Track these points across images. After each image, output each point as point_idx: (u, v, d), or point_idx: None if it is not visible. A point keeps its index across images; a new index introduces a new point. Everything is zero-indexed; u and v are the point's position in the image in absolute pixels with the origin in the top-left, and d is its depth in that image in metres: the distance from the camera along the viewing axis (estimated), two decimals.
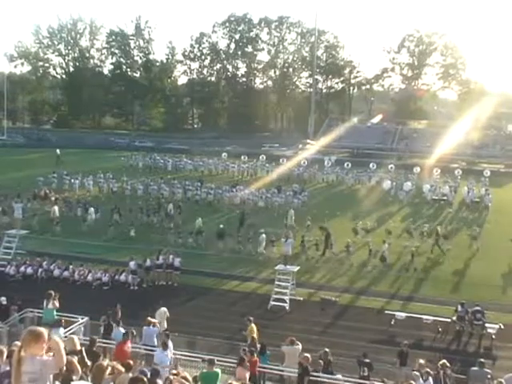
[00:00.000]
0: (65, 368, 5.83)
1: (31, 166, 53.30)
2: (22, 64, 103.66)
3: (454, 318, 19.19)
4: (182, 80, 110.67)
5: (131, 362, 8.89)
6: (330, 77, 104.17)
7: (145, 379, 6.10)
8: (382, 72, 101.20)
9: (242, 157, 59.06)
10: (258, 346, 14.43)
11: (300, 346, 14.22)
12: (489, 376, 13.13)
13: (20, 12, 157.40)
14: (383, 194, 45.28)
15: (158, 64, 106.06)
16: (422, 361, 13.34)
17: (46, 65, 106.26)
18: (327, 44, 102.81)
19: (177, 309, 20.62)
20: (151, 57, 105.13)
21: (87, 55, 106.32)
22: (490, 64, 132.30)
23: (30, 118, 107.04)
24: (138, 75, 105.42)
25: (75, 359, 6.21)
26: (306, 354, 13.07)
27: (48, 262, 24.79)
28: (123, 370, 7.66)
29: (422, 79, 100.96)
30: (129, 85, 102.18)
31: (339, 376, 13.29)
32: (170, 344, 13.67)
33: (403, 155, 67.66)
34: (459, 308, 19.26)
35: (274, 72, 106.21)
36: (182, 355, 13.91)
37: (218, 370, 11.48)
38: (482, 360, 13.68)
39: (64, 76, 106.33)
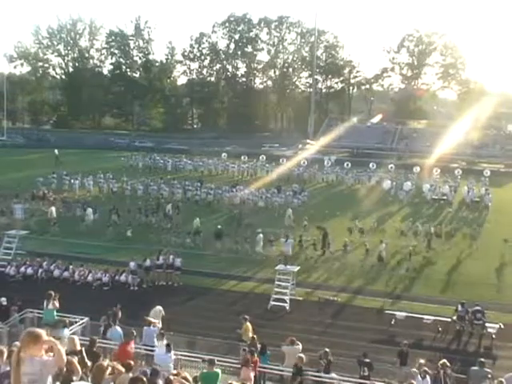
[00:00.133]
0: (65, 368, 5.84)
1: (31, 166, 53.30)
2: (22, 64, 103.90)
3: (454, 318, 19.20)
4: (182, 80, 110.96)
5: (131, 363, 8.88)
6: (330, 77, 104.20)
7: (144, 379, 6.09)
8: (381, 72, 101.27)
9: (242, 157, 59.06)
10: (259, 346, 14.42)
11: (300, 346, 14.21)
12: (489, 375, 13.12)
13: (20, 12, 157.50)
14: (383, 193, 45.29)
15: (157, 64, 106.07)
16: (422, 361, 13.35)
17: (46, 65, 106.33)
18: (327, 44, 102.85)
19: (176, 309, 20.65)
20: (151, 57, 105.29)
21: (87, 55, 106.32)
22: (489, 64, 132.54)
23: (30, 119, 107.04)
24: (137, 75, 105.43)
25: (75, 359, 6.21)
26: (301, 355, 13.09)
27: (48, 263, 24.78)
28: (123, 370, 7.66)
29: (421, 79, 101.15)
30: (128, 85, 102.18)
31: (333, 375, 13.30)
32: (165, 343, 13.69)
33: (403, 155, 67.66)
34: (459, 308, 19.26)
35: (274, 72, 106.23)
36: (182, 355, 13.90)
37: (218, 370, 11.47)
38: (482, 359, 13.67)
39: (64, 76, 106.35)
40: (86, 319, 15.78)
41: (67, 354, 7.16)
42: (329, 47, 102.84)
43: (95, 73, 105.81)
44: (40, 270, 24.29)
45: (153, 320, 15.65)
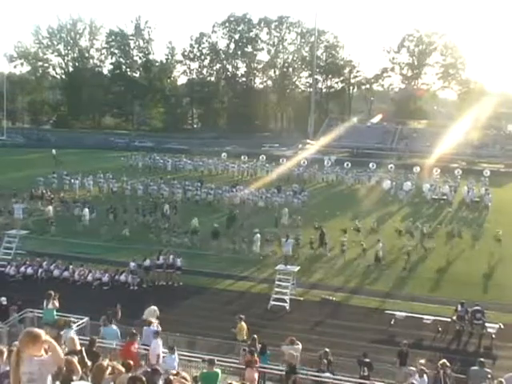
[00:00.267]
0: (65, 368, 5.84)
1: (31, 166, 53.32)
2: (22, 64, 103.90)
3: (454, 318, 19.20)
4: (182, 80, 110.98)
5: (131, 362, 8.88)
6: (330, 76, 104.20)
7: (143, 379, 6.09)
8: (381, 72, 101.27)
9: (242, 157, 59.05)
10: (259, 345, 14.42)
11: (300, 346, 14.22)
12: (489, 375, 13.12)
13: (20, 12, 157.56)
14: (383, 193, 45.30)
15: (157, 64, 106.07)
16: (422, 361, 13.35)
17: (46, 65, 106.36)
18: (327, 44, 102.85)
19: (176, 309, 20.67)
20: (151, 57, 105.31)
21: (87, 55, 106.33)
22: (489, 64, 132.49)
23: (30, 119, 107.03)
24: (137, 75, 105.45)
25: (75, 359, 6.21)
26: (293, 352, 13.09)
27: (48, 263, 24.79)
28: (123, 370, 7.65)
29: (421, 79, 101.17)
30: (128, 85, 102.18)
31: (327, 374, 13.32)
32: (160, 342, 13.70)
33: (403, 155, 67.67)
34: (459, 307, 19.27)
35: (274, 72, 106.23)
36: (181, 355, 13.89)
37: (218, 370, 11.47)
38: (482, 359, 13.67)
39: (63, 76, 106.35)
40: (85, 319, 15.78)
41: (67, 354, 7.17)
42: (329, 47, 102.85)
43: (95, 73, 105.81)
44: (40, 270, 24.31)
45: (153, 320, 15.64)
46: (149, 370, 9.06)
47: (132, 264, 23.83)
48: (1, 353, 6.65)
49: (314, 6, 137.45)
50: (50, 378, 4.51)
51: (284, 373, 12.81)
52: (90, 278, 23.81)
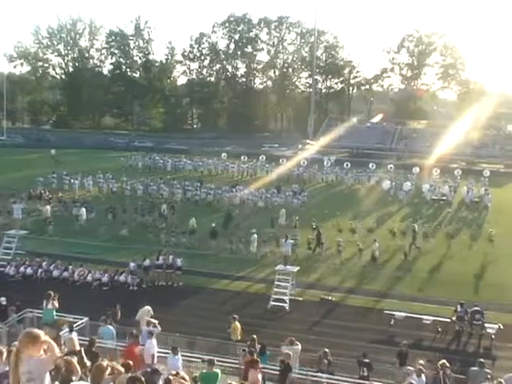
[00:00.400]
0: (64, 368, 5.83)
1: (31, 166, 53.31)
2: (22, 64, 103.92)
3: (454, 318, 19.20)
4: (182, 80, 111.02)
5: (131, 363, 8.87)
6: (330, 77, 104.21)
7: (142, 379, 6.08)
8: (381, 72, 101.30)
9: (242, 157, 59.07)
10: (258, 346, 14.42)
11: (299, 346, 14.22)
12: (488, 376, 13.12)
13: (19, 12, 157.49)
14: (383, 193, 45.30)
15: (157, 64, 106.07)
16: (421, 361, 13.36)
17: (46, 65, 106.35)
18: (327, 44, 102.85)
19: (176, 309, 20.67)
20: (151, 57, 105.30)
21: (87, 55, 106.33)
22: (489, 64, 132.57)
23: (30, 119, 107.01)
24: (137, 75, 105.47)
25: (74, 359, 6.20)
26: (287, 351, 13.08)
27: (47, 263, 24.79)
28: (123, 370, 7.64)
29: (421, 79, 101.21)
30: (128, 85, 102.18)
31: (321, 374, 13.32)
32: (154, 341, 13.69)
33: (403, 155, 67.68)
34: (459, 308, 19.27)
35: (274, 72, 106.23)
36: (181, 355, 13.88)
37: (218, 371, 11.46)
38: (482, 360, 13.67)
39: (63, 76, 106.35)
40: (85, 319, 15.78)
41: (66, 354, 7.16)
42: (329, 47, 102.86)
43: (95, 73, 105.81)
44: (39, 270, 24.30)
45: (152, 320, 15.64)
46: (146, 369, 9.07)
47: (132, 264, 23.83)
48: (0, 353, 6.65)
49: (313, 6, 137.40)
50: (48, 376, 4.51)
51: (278, 372, 12.75)
52: (89, 278, 23.80)
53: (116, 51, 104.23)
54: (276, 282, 21.96)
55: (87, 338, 12.20)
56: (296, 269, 22.74)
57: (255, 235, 28.26)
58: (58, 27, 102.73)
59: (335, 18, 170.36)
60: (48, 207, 33.91)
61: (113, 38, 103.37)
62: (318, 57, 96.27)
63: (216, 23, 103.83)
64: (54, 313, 15.89)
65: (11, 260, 25.28)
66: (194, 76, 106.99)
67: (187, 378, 8.59)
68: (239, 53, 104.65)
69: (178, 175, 50.73)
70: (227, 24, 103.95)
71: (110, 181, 44.16)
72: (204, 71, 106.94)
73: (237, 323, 16.87)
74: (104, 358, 9.33)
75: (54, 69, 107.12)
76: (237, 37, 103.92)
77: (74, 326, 14.53)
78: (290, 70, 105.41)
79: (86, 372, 6.64)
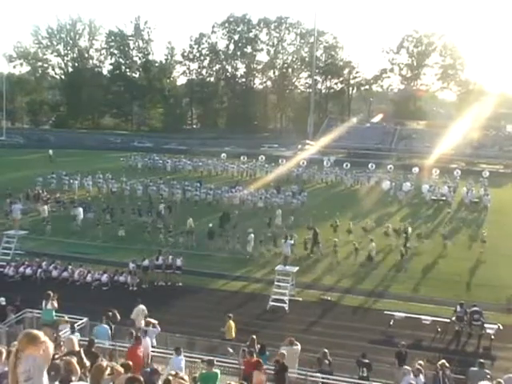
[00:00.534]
0: (63, 369, 5.83)
1: (30, 166, 53.26)
2: (21, 64, 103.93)
3: (453, 319, 19.20)
4: (181, 80, 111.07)
5: (130, 363, 8.87)
6: (329, 77, 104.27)
7: (141, 379, 6.08)
8: (381, 72, 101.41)
9: (242, 157, 59.07)
10: (258, 346, 14.41)
11: (299, 347, 14.21)
12: (488, 376, 13.12)
13: (19, 12, 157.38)
14: (382, 194, 45.31)
15: (157, 64, 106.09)
16: (421, 361, 13.35)
17: (45, 65, 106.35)
18: (326, 44, 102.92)
19: (175, 309, 20.67)
20: (150, 57, 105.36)
21: (86, 55, 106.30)
22: (489, 64, 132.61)
23: (29, 119, 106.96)
24: (137, 76, 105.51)
25: (74, 360, 6.20)
26: (282, 351, 13.07)
27: (47, 263, 24.77)
28: (122, 370, 7.64)
29: (420, 80, 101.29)
30: (128, 85, 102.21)
31: (317, 374, 13.32)
32: (149, 341, 13.69)
33: (402, 155, 67.67)
34: (458, 308, 19.27)
35: (274, 72, 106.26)
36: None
37: (217, 371, 11.45)
38: (482, 360, 13.67)
39: (63, 76, 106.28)
40: (85, 319, 15.77)
41: (66, 355, 7.16)
42: (328, 48, 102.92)
43: (95, 73, 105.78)
44: (39, 270, 24.28)
45: (152, 321, 15.64)
46: (146, 369, 9.07)
47: (131, 265, 23.86)
48: (0, 353, 6.64)
49: (313, 6, 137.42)
50: (46, 376, 4.51)
51: (273, 372, 12.71)
52: (89, 278, 23.80)
53: (115, 51, 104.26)
54: (276, 283, 21.94)
55: (87, 339, 12.21)
56: (295, 269, 22.72)
57: (252, 235, 28.29)
58: (58, 27, 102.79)
59: (335, 19, 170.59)
60: (45, 207, 33.91)
61: (112, 38, 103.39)
62: (317, 57, 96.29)
63: (216, 23, 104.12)
64: (54, 313, 15.87)
65: (10, 260, 25.26)
66: (194, 76, 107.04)
67: (186, 378, 8.59)
68: (239, 53, 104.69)
69: (177, 175, 50.73)
70: (227, 24, 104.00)
71: (109, 181, 44.13)
72: (204, 71, 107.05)
73: (231, 322, 16.88)
74: (103, 359, 9.34)
75: (53, 69, 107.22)
76: (236, 37, 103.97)
77: (76, 326, 14.54)
78: (290, 70, 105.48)
79: (85, 372, 6.64)
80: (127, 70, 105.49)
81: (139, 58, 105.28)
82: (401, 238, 29.92)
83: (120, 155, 61.50)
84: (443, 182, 47.59)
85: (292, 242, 26.16)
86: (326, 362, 13.59)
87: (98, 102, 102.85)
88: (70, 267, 24.45)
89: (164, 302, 21.25)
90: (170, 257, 24.24)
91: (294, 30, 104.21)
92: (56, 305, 15.95)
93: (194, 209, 37.41)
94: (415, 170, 53.16)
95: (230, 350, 15.30)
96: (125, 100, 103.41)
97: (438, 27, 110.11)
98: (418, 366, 12.76)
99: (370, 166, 54.15)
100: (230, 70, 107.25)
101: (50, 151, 59.89)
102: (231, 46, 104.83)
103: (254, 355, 13.12)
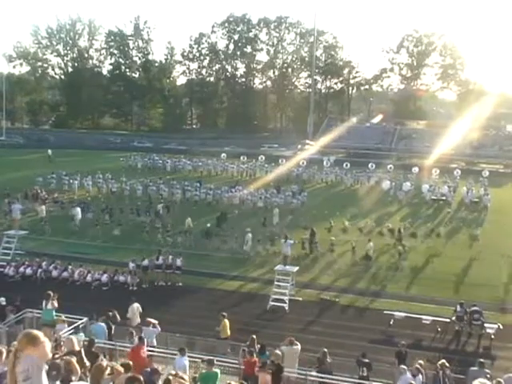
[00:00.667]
0: (64, 368, 5.84)
1: (30, 166, 53.26)
2: (21, 64, 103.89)
3: (453, 318, 19.21)
4: (181, 80, 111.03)
5: (130, 363, 8.87)
6: (329, 77, 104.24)
7: (141, 378, 6.08)
8: (380, 72, 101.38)
9: (241, 157, 59.05)
10: (258, 346, 14.40)
11: (299, 347, 14.20)
12: (488, 376, 13.11)
13: (19, 12, 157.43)
14: (382, 194, 45.32)
15: (156, 64, 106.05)
16: (421, 361, 13.35)
17: (45, 65, 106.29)
18: (326, 44, 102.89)
19: (175, 309, 20.66)
20: (150, 57, 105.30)
21: (86, 55, 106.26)
22: (489, 64, 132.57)
23: (29, 119, 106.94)
24: (136, 75, 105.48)
25: (74, 360, 6.21)
26: (277, 351, 13.07)
27: (47, 263, 24.78)
28: (122, 370, 7.64)
29: (420, 79, 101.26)
30: (128, 85, 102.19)
31: (313, 373, 13.32)
32: (145, 340, 13.68)
33: (402, 155, 67.66)
34: (458, 308, 19.27)
35: (273, 72, 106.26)
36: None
37: (218, 371, 11.45)
38: (482, 360, 13.67)
39: (63, 76, 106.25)
40: (85, 319, 15.76)
41: (66, 355, 7.16)
42: (328, 47, 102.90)
43: (94, 73, 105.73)
44: (39, 270, 24.28)
45: (152, 321, 15.64)
46: (146, 369, 9.06)
47: (131, 265, 23.87)
48: (0, 353, 6.65)
49: (313, 6, 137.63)
50: (45, 375, 4.51)
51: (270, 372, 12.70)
52: (89, 278, 23.81)
53: (115, 51, 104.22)
54: (276, 283, 21.93)
55: (87, 339, 12.21)
56: (295, 269, 22.73)
57: (250, 234, 28.30)
58: (58, 27, 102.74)
59: (335, 18, 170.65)
60: (43, 207, 33.90)
61: (112, 38, 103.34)
62: (317, 57, 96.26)
63: (215, 23, 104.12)
64: (54, 313, 15.88)
65: (11, 260, 25.26)
66: (194, 76, 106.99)
67: (186, 378, 8.59)
68: (239, 53, 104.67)
69: (177, 175, 50.73)
70: (227, 24, 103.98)
71: (109, 181, 44.12)
72: (203, 71, 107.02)
73: (226, 320, 16.90)
74: (103, 358, 9.33)
75: (53, 69, 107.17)
76: (236, 37, 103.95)
77: (79, 326, 14.54)
78: (290, 70, 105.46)
79: (85, 372, 6.65)
80: (127, 69, 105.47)
81: (139, 58, 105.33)
82: (394, 237, 29.99)
83: (120, 155, 61.49)
84: (443, 182, 47.59)
85: (292, 241, 26.21)
86: (327, 361, 13.59)
87: (98, 102, 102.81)
88: (70, 267, 24.45)
89: (164, 301, 21.26)
90: (170, 257, 24.24)
91: (294, 30, 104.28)
92: (56, 305, 15.95)
93: (193, 209, 37.46)
94: (415, 169, 53.17)
95: (228, 350, 15.31)
96: (124, 100, 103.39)
97: (438, 27, 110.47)
98: (418, 366, 12.75)
99: (369, 165, 54.13)
100: (229, 69, 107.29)
101: (49, 151, 59.99)
102: (231, 46, 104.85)
103: (254, 355, 13.14)
